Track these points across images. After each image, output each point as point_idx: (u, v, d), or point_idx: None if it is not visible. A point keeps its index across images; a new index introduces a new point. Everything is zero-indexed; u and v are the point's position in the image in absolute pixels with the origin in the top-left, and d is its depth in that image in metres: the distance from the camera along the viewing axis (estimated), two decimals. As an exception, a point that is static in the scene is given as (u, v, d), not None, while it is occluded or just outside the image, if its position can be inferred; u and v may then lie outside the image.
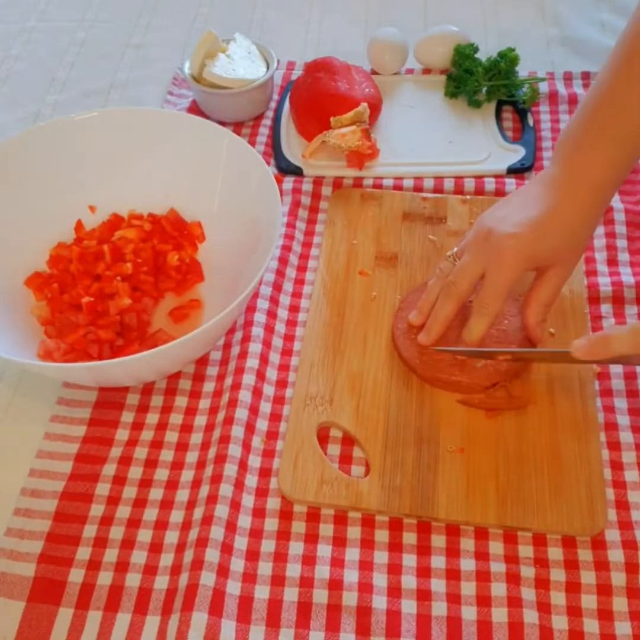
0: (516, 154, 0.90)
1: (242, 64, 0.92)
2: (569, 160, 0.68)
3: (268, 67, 0.94)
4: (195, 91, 0.95)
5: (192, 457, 0.67)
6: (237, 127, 0.94)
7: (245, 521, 0.63)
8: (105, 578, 0.61)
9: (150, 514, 0.64)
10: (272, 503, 0.64)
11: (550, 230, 0.65)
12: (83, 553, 0.62)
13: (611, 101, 0.66)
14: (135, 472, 0.67)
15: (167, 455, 0.68)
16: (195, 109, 0.96)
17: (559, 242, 0.66)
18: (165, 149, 0.80)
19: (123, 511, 0.64)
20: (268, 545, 0.62)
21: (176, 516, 0.64)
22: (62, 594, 0.60)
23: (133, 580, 0.61)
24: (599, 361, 0.66)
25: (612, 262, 0.80)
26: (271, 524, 0.63)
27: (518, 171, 0.88)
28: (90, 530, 0.63)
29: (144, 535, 0.63)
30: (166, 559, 0.62)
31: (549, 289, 0.68)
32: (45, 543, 0.62)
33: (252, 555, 0.61)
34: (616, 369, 0.71)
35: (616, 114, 0.66)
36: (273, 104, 0.97)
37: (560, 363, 0.69)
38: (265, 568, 0.61)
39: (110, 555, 0.62)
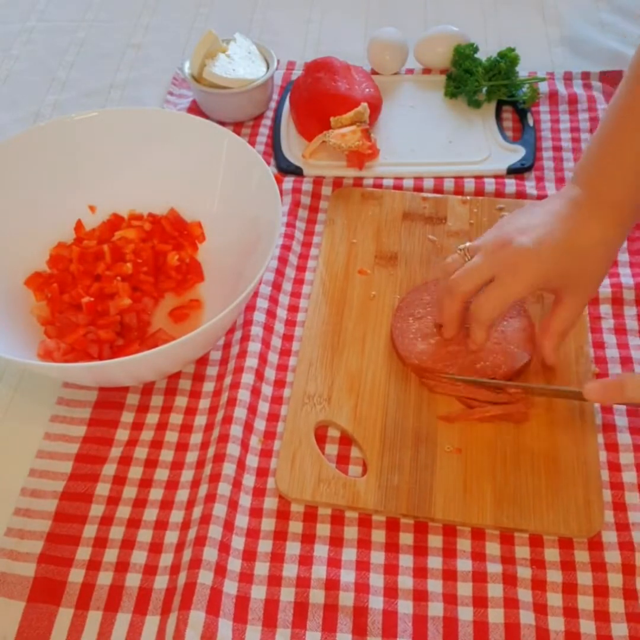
0: (516, 154, 0.90)
1: (242, 64, 0.92)
2: (592, 184, 0.66)
3: (268, 67, 0.94)
4: (195, 91, 0.95)
5: (192, 457, 0.67)
6: (237, 127, 0.94)
7: (242, 521, 0.63)
8: (105, 578, 0.61)
9: (150, 514, 0.64)
10: (269, 503, 0.64)
11: (569, 252, 0.64)
12: (83, 553, 0.62)
13: (630, 123, 0.64)
14: (135, 472, 0.67)
15: (167, 455, 0.68)
16: (195, 109, 0.96)
17: (577, 265, 0.64)
18: (165, 149, 0.80)
19: (123, 511, 0.64)
20: (265, 545, 0.62)
21: (176, 516, 0.64)
22: (62, 594, 0.60)
23: (133, 580, 0.61)
24: (610, 403, 0.66)
25: (611, 262, 0.80)
26: (268, 524, 0.63)
27: (518, 171, 0.88)
28: (90, 530, 0.63)
29: (144, 535, 0.63)
30: (166, 559, 0.62)
31: (567, 316, 0.66)
32: (45, 543, 0.62)
33: (249, 555, 0.61)
34: (615, 370, 0.71)
35: (634, 138, 0.64)
36: (273, 104, 0.97)
37: (568, 399, 0.68)
38: (262, 568, 0.61)
39: (110, 555, 0.62)
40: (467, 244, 0.68)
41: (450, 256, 0.69)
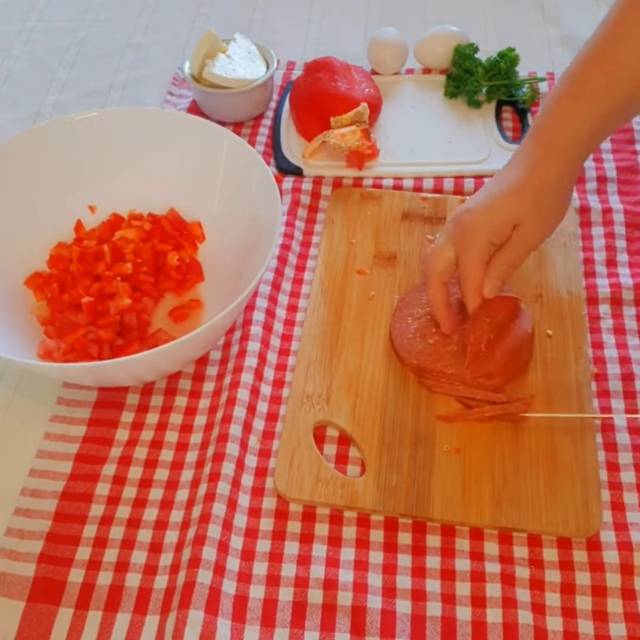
0: (516, 154, 0.90)
1: (242, 64, 0.92)
2: (540, 132, 0.67)
3: (268, 67, 0.94)
4: (195, 91, 0.95)
5: (192, 457, 0.67)
6: (237, 127, 0.94)
7: (240, 521, 0.63)
8: (105, 578, 0.61)
9: (150, 514, 0.64)
10: (268, 503, 0.64)
11: (508, 200, 0.66)
12: (83, 553, 0.62)
13: (593, 61, 0.64)
14: (135, 472, 0.67)
15: (167, 455, 0.68)
16: (195, 109, 0.96)
17: (519, 209, 0.66)
18: (165, 148, 0.80)
19: (123, 511, 0.64)
20: (263, 545, 0.62)
21: (176, 516, 0.64)
22: (62, 594, 0.60)
23: (133, 580, 0.61)
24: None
25: (611, 263, 0.80)
26: (267, 524, 0.63)
27: (518, 171, 0.88)
28: (90, 530, 0.63)
29: (144, 535, 0.63)
30: (166, 559, 0.62)
31: (516, 247, 0.67)
32: (45, 543, 0.62)
33: (248, 554, 0.62)
34: (614, 370, 0.71)
35: (595, 72, 0.64)
36: (273, 104, 0.97)
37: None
38: (260, 568, 0.61)
39: (110, 555, 0.62)
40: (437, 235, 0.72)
41: (428, 247, 0.72)
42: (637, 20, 0.61)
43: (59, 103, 1.00)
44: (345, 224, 0.83)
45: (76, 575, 0.61)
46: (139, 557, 0.62)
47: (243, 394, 0.69)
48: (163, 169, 0.80)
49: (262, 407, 0.70)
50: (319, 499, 0.63)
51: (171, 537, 0.63)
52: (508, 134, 0.94)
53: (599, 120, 0.64)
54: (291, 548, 0.62)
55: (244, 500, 0.64)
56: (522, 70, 0.97)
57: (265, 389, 0.71)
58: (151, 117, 0.81)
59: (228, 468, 0.65)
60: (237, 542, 0.62)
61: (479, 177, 0.88)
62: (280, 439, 0.67)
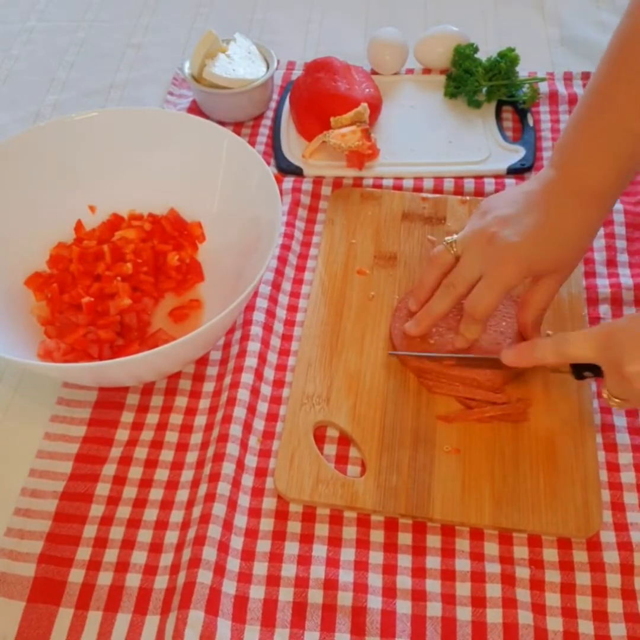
0: (516, 154, 0.90)
1: (242, 64, 0.92)
2: (569, 168, 0.67)
3: (268, 67, 0.94)
4: (195, 91, 0.95)
5: (192, 457, 0.67)
6: (237, 127, 0.94)
7: (241, 521, 0.63)
8: (105, 578, 0.61)
9: (150, 514, 0.64)
10: (268, 503, 0.64)
11: (550, 241, 0.65)
12: (83, 553, 0.62)
13: (606, 107, 0.65)
14: (135, 472, 0.67)
15: (167, 455, 0.68)
16: (195, 109, 0.96)
17: (558, 253, 0.66)
18: (165, 148, 0.80)
19: (123, 511, 0.64)
20: (263, 546, 0.62)
21: (176, 516, 0.64)
22: (62, 594, 0.60)
23: (133, 580, 0.61)
24: (523, 365, 0.66)
25: (611, 263, 0.80)
26: (267, 524, 0.63)
27: (518, 171, 0.88)
28: (90, 530, 0.63)
29: (144, 536, 0.63)
30: (166, 559, 0.62)
31: (546, 293, 0.68)
32: (45, 543, 0.62)
33: (248, 555, 0.62)
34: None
35: (612, 121, 0.65)
36: (273, 104, 0.97)
37: (495, 369, 0.68)
38: (260, 568, 0.61)
39: (110, 555, 0.62)
40: (454, 237, 0.69)
41: (437, 247, 0.70)
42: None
43: (59, 103, 1.00)
44: (346, 224, 0.83)
45: (76, 576, 0.61)
46: (139, 557, 0.62)
47: (243, 394, 0.69)
48: (163, 169, 0.80)
49: (262, 407, 0.70)
50: (319, 499, 0.63)
51: (171, 537, 0.63)
52: (508, 134, 0.94)
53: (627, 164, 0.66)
54: (291, 548, 0.62)
55: (244, 500, 0.64)
56: (522, 70, 0.97)
57: (266, 389, 0.71)
58: (151, 117, 0.81)
59: (228, 468, 0.65)
60: (237, 542, 0.62)
61: (479, 177, 0.88)
62: (280, 439, 0.67)
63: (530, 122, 0.93)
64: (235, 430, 0.67)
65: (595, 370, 0.63)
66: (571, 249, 0.66)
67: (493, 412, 0.67)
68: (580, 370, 0.64)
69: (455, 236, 0.69)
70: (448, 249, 0.69)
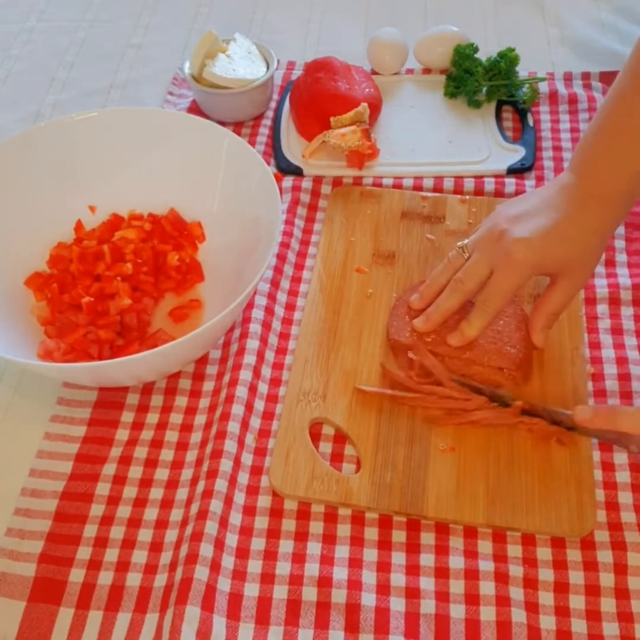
0: (516, 154, 0.90)
1: (242, 64, 0.92)
2: (587, 173, 0.67)
3: (268, 67, 0.94)
4: (195, 91, 0.95)
5: (192, 456, 0.67)
6: (237, 127, 0.94)
7: (236, 518, 0.63)
8: (105, 578, 0.61)
9: (151, 513, 0.64)
10: (263, 501, 0.64)
11: (562, 240, 0.65)
12: (83, 553, 0.62)
13: (628, 114, 0.65)
14: (135, 472, 0.67)
15: (167, 454, 0.68)
16: (195, 109, 0.96)
17: (570, 253, 0.66)
18: (165, 148, 0.80)
19: (123, 511, 0.64)
20: (258, 543, 0.62)
21: (176, 515, 0.64)
22: (63, 594, 0.60)
23: (133, 580, 0.61)
24: (596, 433, 0.65)
25: (609, 263, 0.80)
26: (261, 522, 0.63)
27: (518, 171, 0.88)
28: (90, 530, 0.63)
29: (144, 535, 0.63)
30: (166, 558, 0.62)
31: (559, 298, 0.68)
32: (46, 543, 0.62)
33: (242, 552, 0.62)
34: (611, 370, 0.71)
35: (630, 127, 0.65)
36: (273, 104, 0.97)
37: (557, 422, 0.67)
38: (255, 566, 0.61)
39: (111, 555, 0.62)
40: (466, 241, 0.70)
41: (450, 252, 0.71)
42: None
43: (59, 103, 1.00)
44: (345, 222, 0.83)
45: (77, 575, 0.61)
46: (139, 556, 0.62)
47: (242, 392, 0.69)
48: (163, 169, 0.80)
49: (259, 405, 0.70)
50: (314, 495, 0.63)
51: (171, 536, 0.63)
52: (508, 134, 0.94)
53: None
54: (286, 546, 0.62)
55: (239, 498, 0.64)
56: (522, 70, 0.97)
57: (263, 388, 0.71)
58: (151, 117, 0.81)
59: (225, 465, 0.65)
60: (232, 539, 0.62)
61: (478, 177, 0.88)
62: (276, 435, 0.67)
63: (530, 122, 0.94)
64: (233, 427, 0.67)
65: None
66: (582, 249, 0.66)
67: (481, 416, 0.66)
68: None
69: (466, 240, 0.70)
70: (460, 252, 0.70)
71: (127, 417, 0.70)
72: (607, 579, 0.60)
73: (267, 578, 0.60)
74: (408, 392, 0.68)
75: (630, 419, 0.62)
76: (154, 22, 1.12)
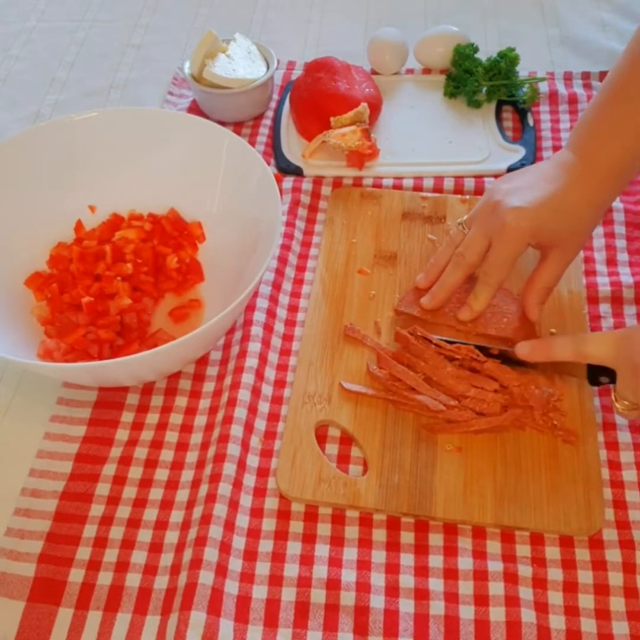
0: (516, 154, 0.90)
1: (242, 64, 0.92)
2: (584, 148, 0.68)
3: (268, 67, 0.94)
4: (195, 91, 0.95)
5: (192, 457, 0.67)
6: (237, 127, 0.94)
7: (243, 521, 0.63)
8: (105, 578, 0.61)
9: (150, 514, 0.64)
10: (270, 503, 0.64)
11: (556, 210, 0.66)
12: (83, 553, 0.62)
13: (626, 92, 0.66)
14: (135, 472, 0.67)
15: (167, 455, 0.68)
16: (195, 109, 0.96)
17: (564, 223, 0.67)
18: (165, 149, 0.80)
19: (123, 511, 0.64)
20: (266, 545, 0.62)
21: (176, 516, 0.64)
22: (62, 594, 0.60)
23: (133, 580, 0.61)
24: (540, 362, 0.67)
25: (611, 262, 0.80)
26: (269, 524, 0.63)
27: (518, 171, 0.88)
28: (90, 530, 0.63)
29: (144, 535, 0.63)
30: (166, 559, 0.62)
31: (550, 272, 0.69)
32: (45, 543, 0.62)
33: (250, 555, 0.61)
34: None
35: (631, 105, 0.66)
36: (273, 104, 0.97)
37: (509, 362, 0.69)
38: (263, 568, 0.61)
39: (110, 555, 0.62)
40: (465, 217, 0.72)
41: (451, 230, 0.73)
42: None
43: (59, 103, 1.00)
44: (346, 223, 0.83)
45: (76, 575, 0.61)
46: (139, 557, 0.62)
47: (244, 395, 0.69)
48: (163, 169, 0.80)
49: (264, 407, 0.70)
50: (321, 498, 0.63)
51: (171, 537, 0.63)
52: (508, 134, 0.94)
53: None
54: (294, 548, 0.62)
55: (246, 500, 0.64)
56: (522, 70, 0.97)
57: (267, 390, 0.71)
58: (151, 117, 0.81)
59: (229, 469, 0.65)
60: (239, 542, 0.62)
61: (479, 177, 0.88)
62: (282, 439, 0.67)
63: (530, 121, 0.93)
64: (236, 430, 0.67)
65: (610, 376, 0.63)
66: (577, 220, 0.67)
67: (478, 426, 0.66)
68: (596, 374, 0.65)
69: (465, 217, 0.72)
70: (460, 229, 0.71)
71: (127, 417, 0.70)
72: (616, 578, 0.60)
73: (276, 580, 0.60)
74: (389, 394, 0.68)
75: (560, 347, 0.65)
76: (154, 22, 1.12)
